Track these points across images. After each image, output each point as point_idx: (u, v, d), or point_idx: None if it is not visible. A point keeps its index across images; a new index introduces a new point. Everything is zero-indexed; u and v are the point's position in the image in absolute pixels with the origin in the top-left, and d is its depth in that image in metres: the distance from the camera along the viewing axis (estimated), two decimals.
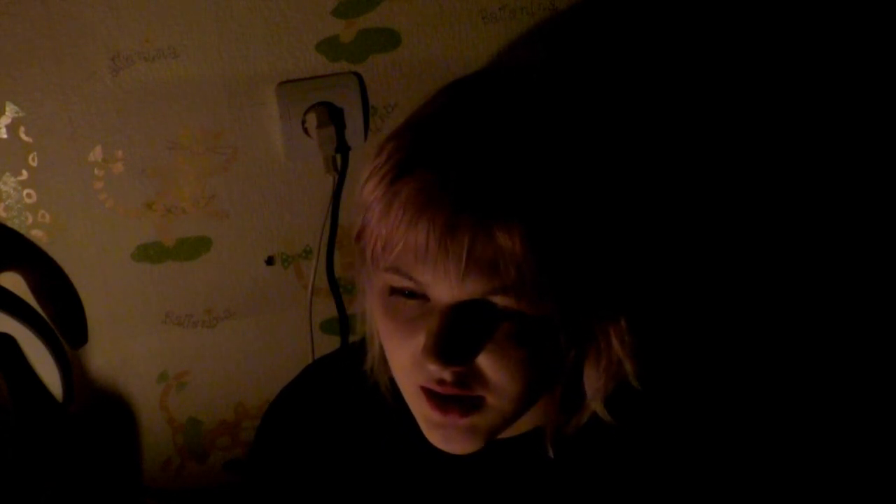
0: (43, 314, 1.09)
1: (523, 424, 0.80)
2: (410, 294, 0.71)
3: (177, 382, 1.19)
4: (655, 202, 1.15)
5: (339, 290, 1.19)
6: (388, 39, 1.06)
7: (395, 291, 0.71)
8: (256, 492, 0.90)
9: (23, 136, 1.04)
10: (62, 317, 1.11)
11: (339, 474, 0.86)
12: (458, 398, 0.71)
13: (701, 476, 0.79)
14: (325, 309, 1.20)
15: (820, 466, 0.84)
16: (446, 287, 0.68)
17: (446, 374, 0.70)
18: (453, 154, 0.68)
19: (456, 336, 0.68)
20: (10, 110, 1.02)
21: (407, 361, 0.72)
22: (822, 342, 1.24)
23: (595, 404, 0.77)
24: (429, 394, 0.72)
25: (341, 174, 1.11)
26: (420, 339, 0.70)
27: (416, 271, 0.68)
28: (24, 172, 1.05)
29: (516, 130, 0.69)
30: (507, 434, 0.81)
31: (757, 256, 1.23)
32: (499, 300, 0.68)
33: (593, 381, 0.77)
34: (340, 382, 0.89)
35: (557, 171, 0.68)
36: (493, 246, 0.66)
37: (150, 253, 1.11)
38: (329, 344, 1.21)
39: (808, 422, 0.88)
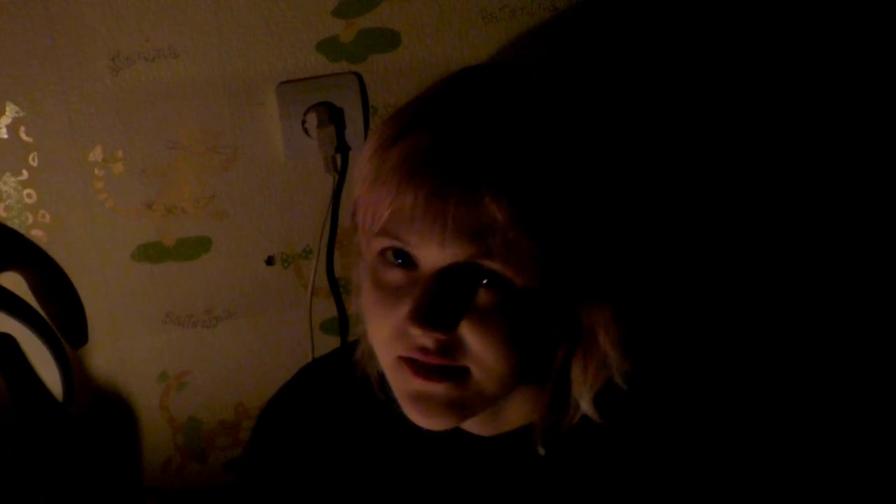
0: (43, 314, 1.09)
1: (514, 421, 0.81)
2: (398, 257, 0.71)
3: (177, 382, 1.20)
4: (646, 191, 1.15)
5: (339, 290, 1.19)
6: (388, 39, 1.06)
7: (384, 260, 0.72)
8: (253, 488, 0.90)
9: (23, 136, 1.04)
10: (62, 317, 1.11)
11: (333, 470, 0.87)
12: (439, 368, 0.71)
13: (691, 476, 0.79)
14: (325, 309, 1.20)
15: (811, 466, 0.84)
16: (432, 249, 0.68)
17: (429, 341, 0.70)
18: (444, 123, 0.69)
19: (440, 301, 0.68)
20: (10, 110, 1.02)
21: (389, 333, 0.72)
22: (816, 339, 1.24)
23: (583, 402, 0.77)
24: (411, 363, 0.72)
25: (341, 174, 1.11)
26: (404, 309, 0.70)
27: (403, 232, 0.69)
28: (25, 172, 1.05)
29: (508, 107, 0.71)
30: (497, 430, 0.81)
31: (749, 253, 1.23)
32: (483, 263, 0.68)
33: (580, 376, 0.77)
34: (336, 381, 0.89)
35: (547, 146, 0.69)
36: (479, 211, 0.67)
37: (150, 253, 1.11)
38: (329, 344, 1.21)
39: (800, 421, 0.88)
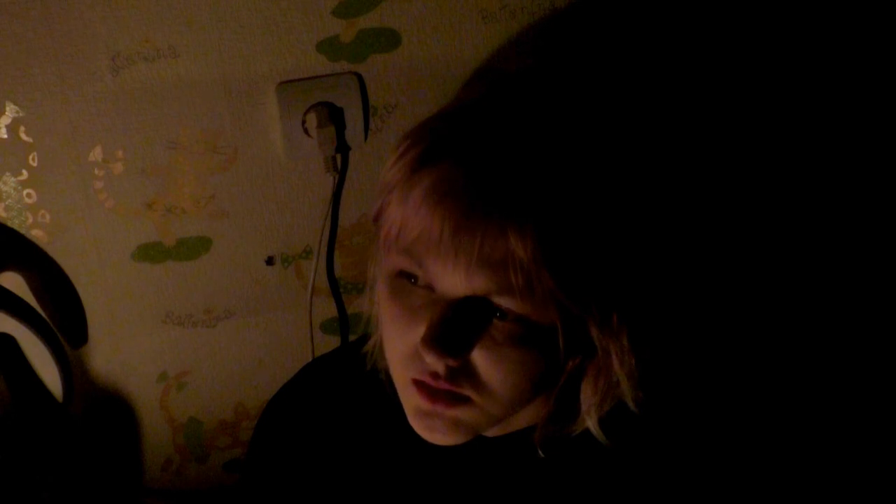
0: (43, 314, 1.09)
1: (520, 423, 0.81)
2: (417, 281, 0.71)
3: (177, 382, 1.20)
4: (669, 220, 1.15)
5: (339, 290, 1.19)
6: (388, 39, 1.06)
7: (403, 275, 0.72)
8: (255, 485, 0.90)
9: (23, 136, 1.04)
10: (62, 317, 1.11)
11: (336, 467, 0.87)
12: (447, 393, 0.71)
13: (690, 494, 0.79)
14: (325, 309, 1.20)
15: (817, 485, 0.84)
16: (454, 281, 0.68)
17: (440, 368, 0.70)
18: (478, 152, 0.69)
19: (456, 329, 0.69)
20: (10, 110, 1.02)
21: (404, 351, 0.72)
22: (826, 360, 1.23)
23: (589, 421, 0.77)
24: (420, 385, 0.72)
25: (341, 174, 1.11)
26: (419, 331, 0.70)
27: (426, 259, 0.69)
28: (24, 172, 1.05)
29: (543, 138, 0.70)
30: (499, 431, 0.81)
31: (767, 284, 1.22)
32: (503, 301, 0.68)
33: (589, 397, 0.77)
34: (339, 379, 0.89)
35: (578, 184, 0.69)
36: (505, 247, 0.67)
37: (150, 253, 1.11)
38: (329, 344, 1.21)
39: (813, 455, 0.87)
